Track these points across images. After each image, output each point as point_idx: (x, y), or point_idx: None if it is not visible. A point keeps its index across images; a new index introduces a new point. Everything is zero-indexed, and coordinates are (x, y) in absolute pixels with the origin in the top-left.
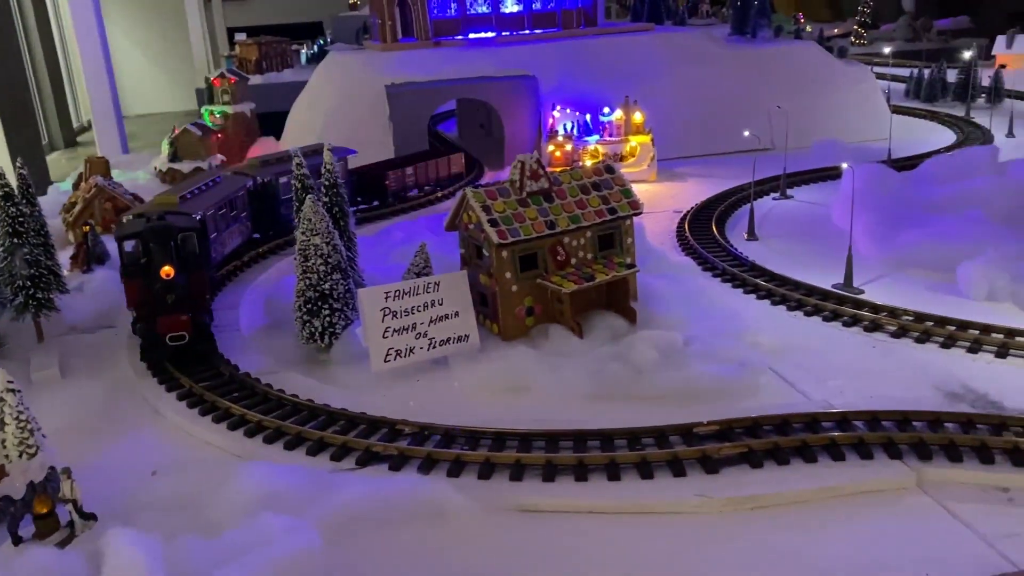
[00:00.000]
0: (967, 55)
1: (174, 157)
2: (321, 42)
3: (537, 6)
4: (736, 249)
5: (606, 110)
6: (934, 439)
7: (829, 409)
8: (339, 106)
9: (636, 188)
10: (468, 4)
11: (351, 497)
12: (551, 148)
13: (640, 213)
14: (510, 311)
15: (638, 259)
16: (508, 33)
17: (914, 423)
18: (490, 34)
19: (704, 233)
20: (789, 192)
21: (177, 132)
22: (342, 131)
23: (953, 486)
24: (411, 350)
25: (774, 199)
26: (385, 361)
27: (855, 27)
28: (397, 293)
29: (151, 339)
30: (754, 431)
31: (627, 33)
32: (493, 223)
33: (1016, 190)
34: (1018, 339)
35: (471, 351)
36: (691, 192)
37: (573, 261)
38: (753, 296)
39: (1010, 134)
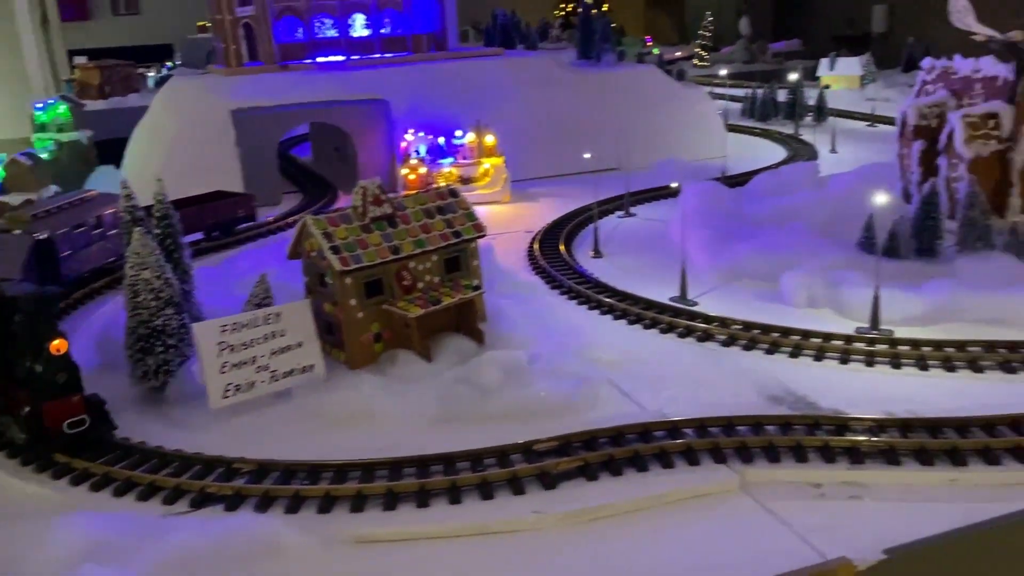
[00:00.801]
0: (793, 77)
1: (2, 189)
2: (169, 65)
3: (387, 30)
4: (581, 267)
5: (458, 133)
6: (755, 442)
7: (661, 418)
8: (182, 133)
9: (490, 209)
10: (316, 28)
11: (182, 541)
12: (405, 171)
13: (484, 235)
14: (356, 338)
15: (488, 280)
16: (358, 57)
17: (738, 427)
18: (339, 58)
19: (553, 252)
20: (633, 210)
21: (6, 162)
22: (186, 159)
23: (772, 485)
24: (252, 384)
25: (619, 217)
26: (224, 397)
27: (697, 50)
28: (235, 326)
29: (38, 433)
30: (591, 444)
31: (477, 58)
32: (335, 250)
33: (833, 203)
34: (833, 342)
35: (316, 381)
36: (543, 212)
37: (420, 285)
38: (596, 312)
39: (833, 150)
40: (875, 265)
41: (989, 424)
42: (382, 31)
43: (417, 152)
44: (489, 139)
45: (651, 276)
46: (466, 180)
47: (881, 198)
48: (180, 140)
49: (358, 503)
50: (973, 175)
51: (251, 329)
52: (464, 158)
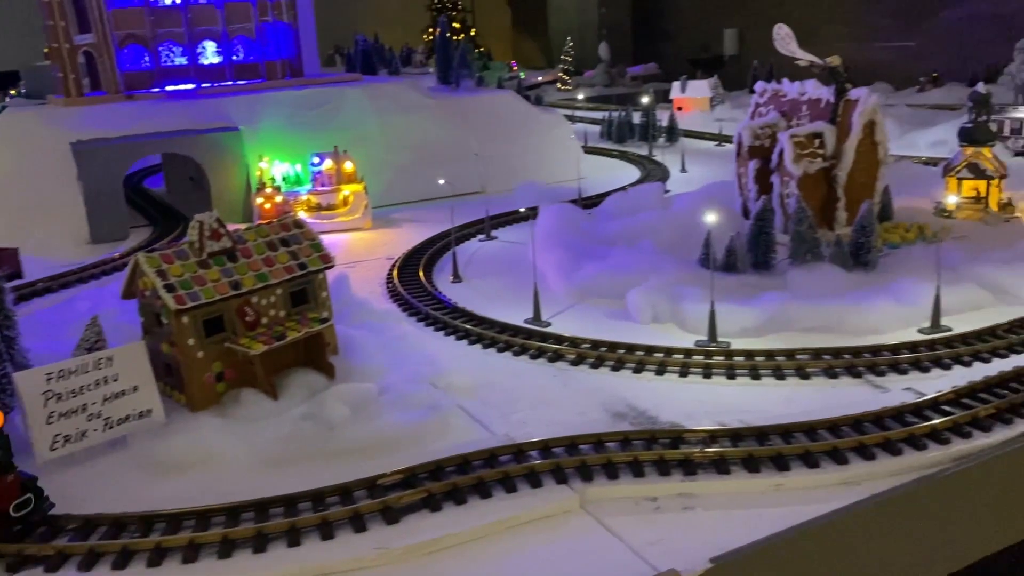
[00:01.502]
0: (645, 100)
1: None
2: (12, 94)
3: (239, 57)
4: (440, 292)
5: (315, 160)
6: (595, 460)
7: (507, 443)
8: (17, 169)
9: (351, 237)
10: (163, 56)
11: None
12: (260, 200)
13: (332, 266)
14: (197, 379)
15: (343, 310)
16: (209, 85)
17: (581, 446)
18: (189, 86)
19: (412, 278)
20: (494, 233)
21: None
22: (22, 196)
23: (611, 502)
24: (83, 433)
25: (480, 241)
26: (52, 449)
27: (560, 74)
28: (62, 373)
29: None
30: (437, 474)
31: (334, 84)
32: (170, 288)
33: (677, 221)
34: (674, 357)
35: (154, 427)
36: (405, 238)
37: (264, 320)
38: (452, 337)
39: (683, 169)
40: (711, 280)
41: (811, 429)
42: (234, 58)
43: (274, 181)
44: (348, 166)
45: (509, 299)
46: (325, 207)
47: (711, 217)
48: (14, 176)
49: (191, 553)
50: (802, 191)
51: (80, 375)
52: (322, 185)
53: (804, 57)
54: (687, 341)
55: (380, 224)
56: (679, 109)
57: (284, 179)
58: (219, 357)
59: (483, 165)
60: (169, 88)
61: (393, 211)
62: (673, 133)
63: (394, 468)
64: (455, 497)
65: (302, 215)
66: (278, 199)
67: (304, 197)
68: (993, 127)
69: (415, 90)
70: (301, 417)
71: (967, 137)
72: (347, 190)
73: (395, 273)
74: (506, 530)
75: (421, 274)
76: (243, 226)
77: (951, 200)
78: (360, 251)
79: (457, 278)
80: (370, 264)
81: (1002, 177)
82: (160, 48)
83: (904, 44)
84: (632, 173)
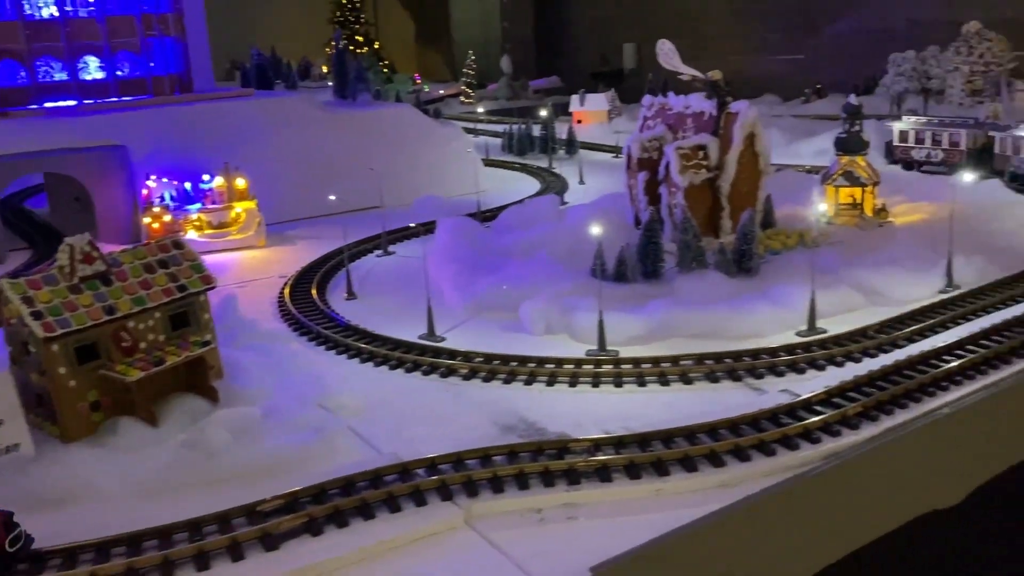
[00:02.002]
0: (543, 113)
1: None
2: None
3: (124, 72)
4: (333, 310)
5: (206, 177)
6: (481, 475)
7: (394, 462)
8: None
9: (244, 255)
10: (40, 71)
11: None
12: (148, 220)
13: (213, 287)
14: (70, 409)
15: (230, 332)
16: (92, 101)
17: (467, 462)
18: (70, 102)
19: (304, 297)
20: (391, 248)
21: None
22: None
23: (496, 516)
24: None
25: (376, 256)
26: None
27: (463, 87)
28: None
29: None
30: (320, 498)
31: (225, 99)
32: (37, 315)
33: (572, 233)
34: (565, 367)
35: (24, 461)
36: (300, 255)
37: (142, 346)
38: (344, 356)
39: (581, 181)
40: (599, 289)
41: (690, 433)
42: (118, 73)
43: (162, 199)
44: (240, 182)
45: (404, 315)
46: (216, 226)
47: (596, 229)
48: None
49: None
50: (688, 201)
51: None
52: (213, 203)
53: (687, 72)
54: (579, 351)
55: (274, 241)
56: (578, 122)
57: (172, 198)
58: (94, 385)
59: (381, 179)
60: (48, 105)
61: (288, 228)
62: (572, 145)
63: (275, 493)
64: (337, 520)
65: (192, 234)
66: (166, 218)
67: (194, 215)
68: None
69: (310, 104)
70: (181, 445)
71: (842, 146)
72: (239, 207)
73: (287, 292)
74: (389, 551)
75: (314, 292)
76: (119, 248)
77: (821, 208)
78: (252, 270)
79: (351, 295)
80: (262, 283)
81: (875, 184)
82: (37, 63)
83: (794, 57)
84: (532, 185)
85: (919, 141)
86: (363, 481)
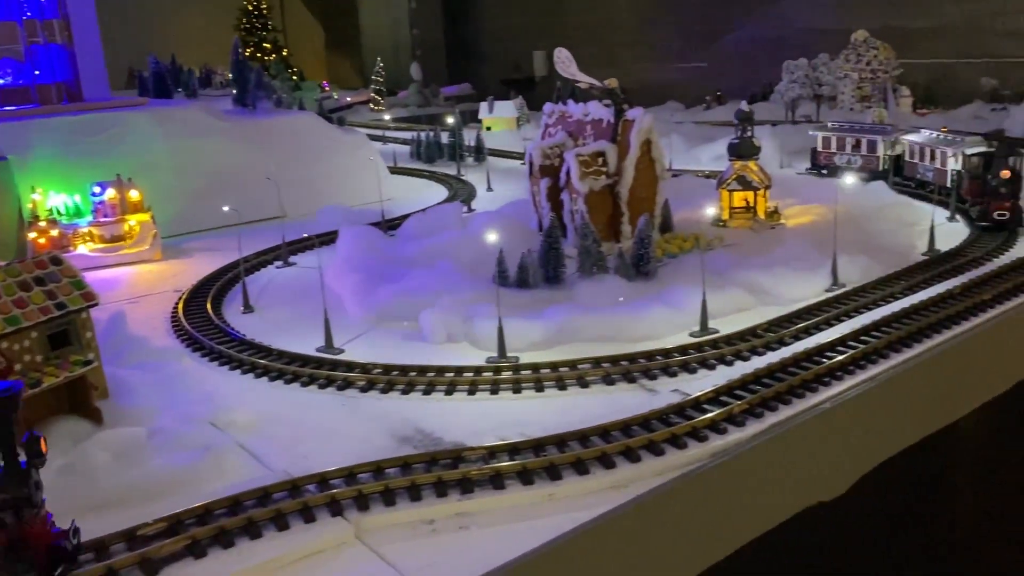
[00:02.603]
0: (450, 120)
1: None
2: None
3: (7, 80)
4: (229, 325)
5: (96, 190)
6: (372, 488)
7: (284, 479)
8: None
9: (138, 269)
10: None
11: None
12: (34, 235)
13: (96, 304)
14: None
15: (118, 350)
16: None
17: (360, 475)
18: None
19: (199, 311)
20: (293, 259)
21: None
22: None
23: (388, 529)
24: None
25: (277, 267)
26: None
27: (372, 94)
28: None
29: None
30: (204, 519)
31: (118, 108)
32: None
33: (476, 240)
34: (464, 375)
35: None
36: (197, 269)
37: (17, 367)
38: (238, 372)
39: (489, 188)
40: (497, 295)
41: (583, 437)
42: (1, 81)
43: (51, 213)
44: (134, 194)
45: (302, 327)
46: (109, 240)
47: (492, 236)
48: None
49: None
50: (589, 207)
51: None
52: (105, 216)
53: (584, 80)
54: (479, 359)
55: (171, 255)
56: (487, 129)
57: (60, 212)
58: None
59: (284, 189)
60: None
61: (186, 240)
62: (481, 152)
63: (157, 516)
64: (222, 541)
65: (83, 249)
66: (54, 233)
67: (85, 229)
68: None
69: (207, 113)
70: (60, 469)
71: (735, 152)
72: (133, 220)
73: (180, 306)
74: (276, 570)
75: (209, 306)
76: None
77: (710, 211)
78: (146, 284)
79: (248, 308)
80: (155, 298)
81: (767, 188)
82: None
83: (696, 65)
84: (441, 193)
85: (840, 147)
86: (250, 500)
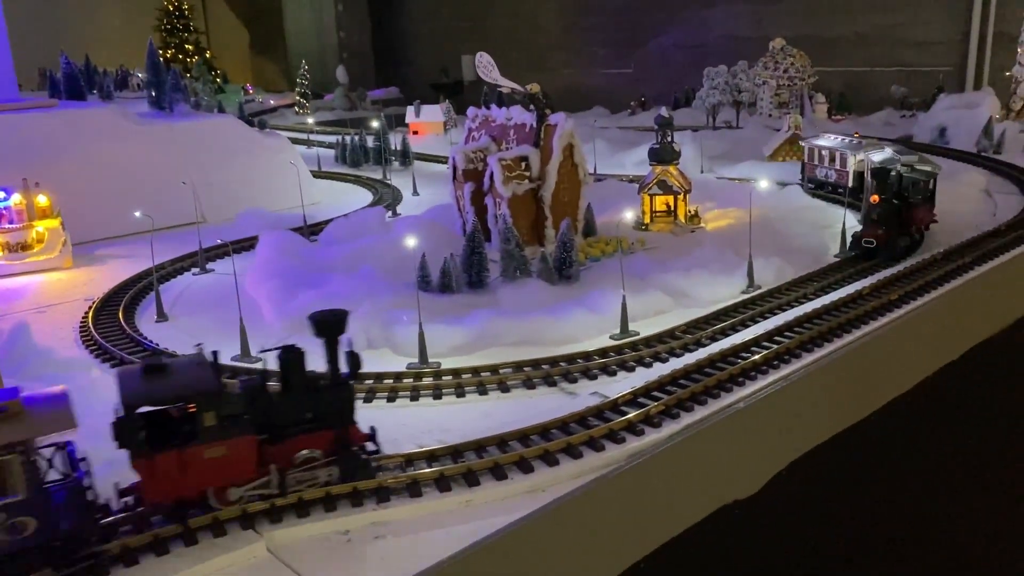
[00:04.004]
0: (375, 124)
1: None
2: None
3: None
4: (142, 334)
5: (1, 195)
6: (285, 501)
7: None
8: None
9: (47, 277)
10: None
11: None
12: None
13: None
14: None
15: (20, 362)
16: None
17: None
18: None
19: (111, 320)
20: (210, 266)
21: None
22: None
23: (302, 541)
24: None
25: (193, 274)
26: None
27: (298, 98)
28: None
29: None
30: (107, 536)
31: (24, 110)
32: None
33: (397, 245)
34: (385, 382)
35: None
36: (110, 276)
37: None
38: None
39: (415, 192)
40: (418, 301)
41: (502, 441)
42: None
43: None
44: (42, 199)
45: (219, 335)
46: (15, 246)
47: (411, 240)
48: None
49: None
50: (512, 211)
51: None
52: (11, 222)
53: (506, 84)
54: (400, 365)
55: (83, 262)
56: (414, 133)
57: None
58: None
59: (202, 194)
60: None
61: (99, 247)
62: (407, 156)
63: None
64: (126, 559)
65: None
66: None
67: None
68: None
69: (121, 116)
70: None
71: (655, 157)
72: (41, 226)
73: (90, 316)
74: None
75: (121, 315)
76: None
77: (628, 216)
78: (55, 293)
79: (162, 317)
80: (64, 308)
81: (687, 192)
82: None
83: (622, 71)
84: (366, 197)
85: (820, 161)
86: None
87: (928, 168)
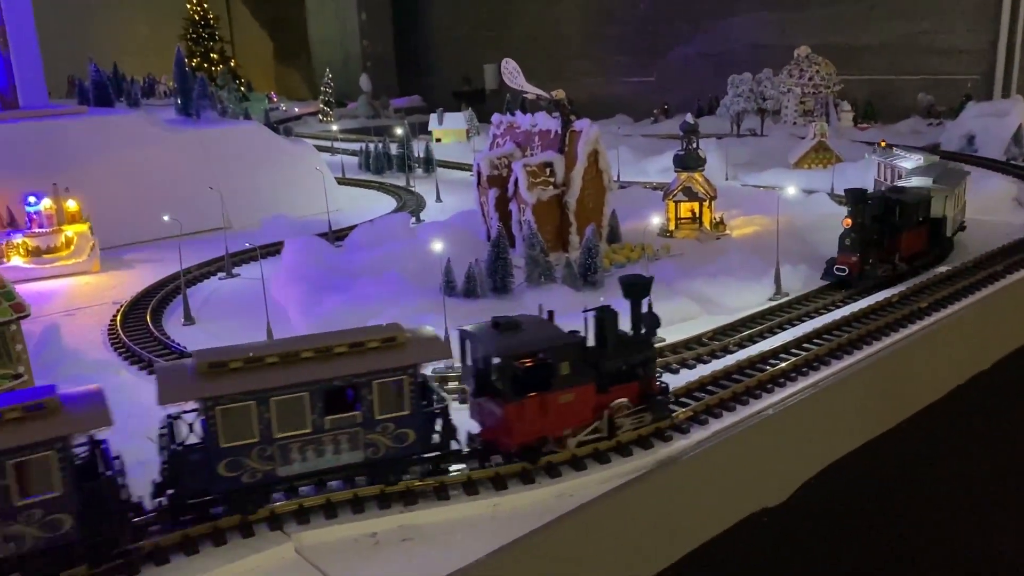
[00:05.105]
0: (399, 131)
1: None
2: None
3: None
4: (169, 337)
5: (32, 200)
6: (313, 501)
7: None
8: None
9: (76, 281)
10: None
11: None
12: None
13: (26, 316)
14: None
15: (51, 363)
16: None
17: (299, 488)
18: None
19: (138, 323)
20: (236, 271)
21: None
22: None
23: (329, 543)
24: None
25: (220, 279)
26: None
27: (321, 106)
28: None
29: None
30: (137, 535)
31: (55, 117)
32: None
33: (422, 251)
34: None
35: None
36: (137, 280)
37: None
38: None
39: (438, 199)
40: (444, 305)
41: None
42: None
43: None
44: (71, 204)
45: (245, 338)
46: (44, 251)
47: (437, 245)
48: None
49: None
50: (536, 217)
51: None
52: (40, 227)
53: (531, 90)
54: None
55: (111, 266)
56: (437, 140)
57: None
58: None
59: (228, 199)
60: None
61: (126, 252)
62: (430, 164)
63: None
64: (156, 558)
65: (16, 260)
66: None
67: (18, 240)
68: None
69: (149, 122)
70: None
71: (680, 163)
72: (70, 231)
73: (118, 318)
74: None
75: (148, 318)
76: None
77: (655, 221)
78: (83, 297)
79: (189, 320)
80: (93, 311)
81: (712, 199)
82: None
83: (644, 80)
84: (389, 203)
85: (885, 177)
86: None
87: (921, 190)
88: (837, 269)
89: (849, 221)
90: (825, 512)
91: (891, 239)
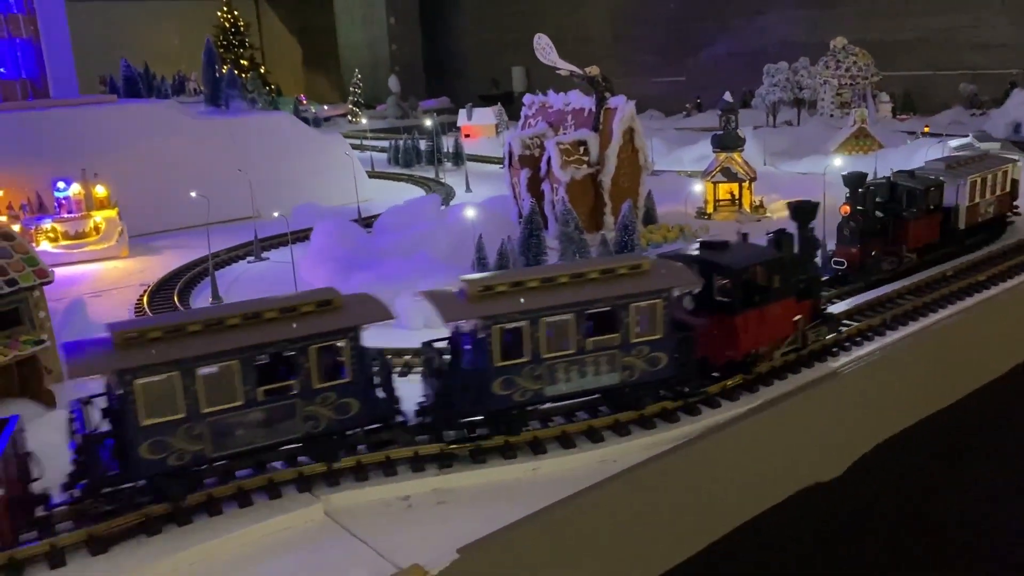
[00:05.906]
0: (428, 123)
1: None
2: None
3: None
4: None
5: (61, 185)
6: (343, 463)
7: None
8: None
9: (104, 265)
10: None
11: None
12: None
13: (50, 281)
14: None
15: (79, 336)
16: None
17: None
18: None
19: (166, 303)
20: (265, 255)
21: None
22: None
23: (360, 506)
24: None
25: (248, 262)
26: None
27: (350, 107)
28: None
29: None
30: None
31: (85, 105)
32: None
33: (453, 231)
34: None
35: None
36: (164, 264)
37: None
38: None
39: (468, 189)
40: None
41: (569, 412)
42: None
43: (11, 209)
44: (100, 190)
45: None
46: (73, 236)
47: (470, 212)
48: None
49: None
50: (570, 196)
51: None
52: (69, 212)
53: (564, 67)
54: None
55: (139, 252)
56: (466, 136)
57: (24, 207)
58: None
59: (257, 188)
60: None
61: (155, 239)
62: (459, 157)
63: None
64: (179, 519)
65: (45, 245)
66: (15, 228)
67: (47, 225)
68: None
69: (177, 110)
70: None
71: (719, 143)
72: (99, 216)
73: (145, 298)
74: (242, 547)
75: (176, 298)
76: None
77: (696, 189)
78: (111, 280)
79: (217, 299)
80: (120, 292)
81: (752, 180)
82: None
83: (674, 79)
84: (418, 194)
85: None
86: (210, 477)
87: (933, 176)
88: (834, 262)
89: (847, 208)
90: (882, 489)
91: (897, 228)
